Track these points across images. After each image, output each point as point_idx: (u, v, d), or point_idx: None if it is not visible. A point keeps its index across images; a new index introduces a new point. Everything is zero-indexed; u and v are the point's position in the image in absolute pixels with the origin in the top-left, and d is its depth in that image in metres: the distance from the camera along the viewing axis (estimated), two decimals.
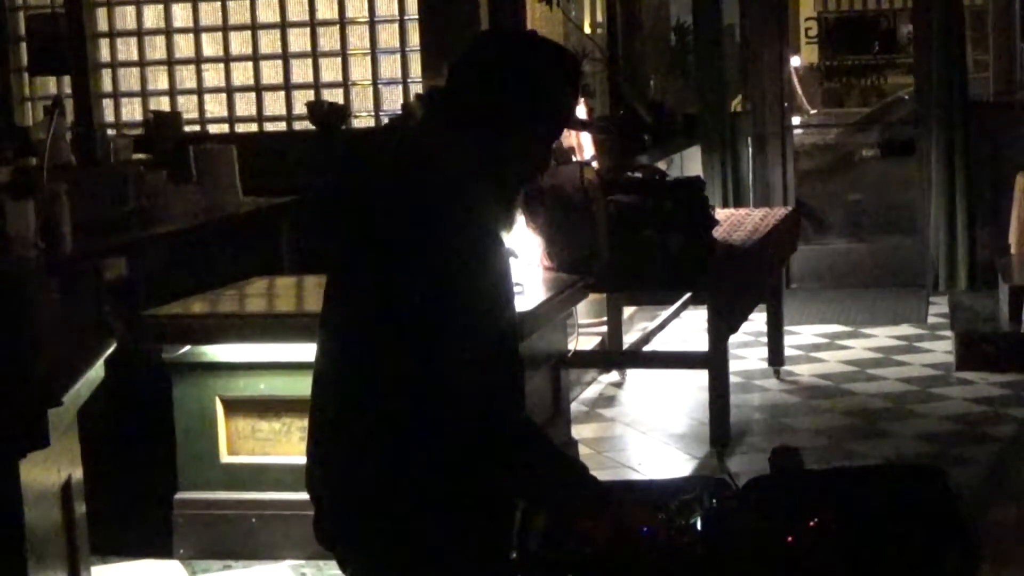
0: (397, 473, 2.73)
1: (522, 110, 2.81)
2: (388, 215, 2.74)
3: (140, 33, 9.34)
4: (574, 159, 6.72)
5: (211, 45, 9.28)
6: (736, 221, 7.75)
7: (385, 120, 8.89)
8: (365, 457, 2.76)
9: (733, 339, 7.37)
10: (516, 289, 5.58)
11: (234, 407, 5.63)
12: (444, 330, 2.67)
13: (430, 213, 2.71)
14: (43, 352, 4.43)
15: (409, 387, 2.69)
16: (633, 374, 8.32)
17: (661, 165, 9.09)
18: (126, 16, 9.37)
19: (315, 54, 9.10)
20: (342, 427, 2.80)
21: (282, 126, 9.17)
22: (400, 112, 8.54)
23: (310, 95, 9.00)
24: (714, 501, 2.90)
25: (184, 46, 9.32)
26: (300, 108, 8.90)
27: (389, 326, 2.70)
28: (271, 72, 9.20)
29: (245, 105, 9.27)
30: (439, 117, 2.86)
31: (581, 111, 7.32)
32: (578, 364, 7.49)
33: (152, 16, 9.34)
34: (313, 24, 9.09)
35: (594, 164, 7.16)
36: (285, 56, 9.15)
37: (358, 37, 9.06)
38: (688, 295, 8.25)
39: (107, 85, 9.40)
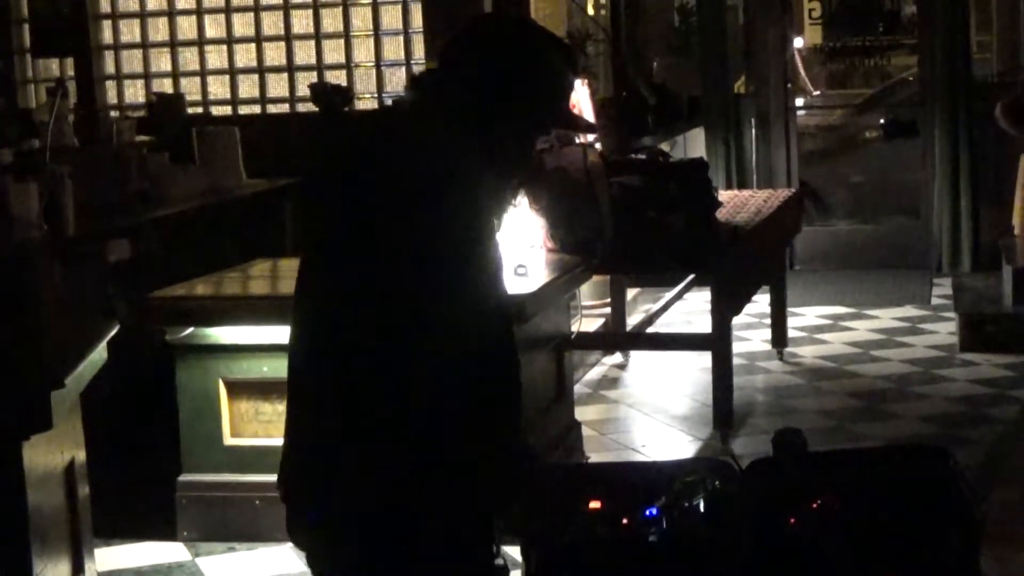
0: (391, 457, 2.75)
1: (517, 102, 2.76)
2: (389, 195, 2.71)
3: (143, 15, 9.32)
4: (577, 141, 6.70)
5: (214, 27, 9.26)
6: (739, 203, 7.73)
7: (388, 101, 8.88)
8: (362, 435, 2.76)
9: (736, 321, 7.37)
10: (520, 271, 5.62)
11: (237, 389, 5.62)
12: (445, 314, 2.67)
13: (431, 195, 2.68)
14: (46, 334, 4.43)
15: (405, 366, 2.71)
16: (636, 356, 8.32)
17: (664, 147, 9.09)
18: None
19: (318, 35, 9.09)
20: (335, 409, 2.80)
21: (285, 108, 9.16)
22: (402, 93, 8.53)
23: (313, 77, 8.98)
24: (717, 483, 2.90)
25: (187, 28, 9.30)
26: (303, 90, 8.88)
27: (395, 305, 2.70)
28: (274, 54, 9.18)
29: (248, 87, 9.25)
30: (428, 102, 2.80)
31: (587, 107, 7.32)
32: (581, 346, 7.49)
33: None
34: (316, 5, 9.07)
35: (597, 146, 7.14)
36: (288, 37, 9.13)
37: (361, 18, 9.04)
38: (692, 277, 8.25)
39: (110, 67, 9.38)
